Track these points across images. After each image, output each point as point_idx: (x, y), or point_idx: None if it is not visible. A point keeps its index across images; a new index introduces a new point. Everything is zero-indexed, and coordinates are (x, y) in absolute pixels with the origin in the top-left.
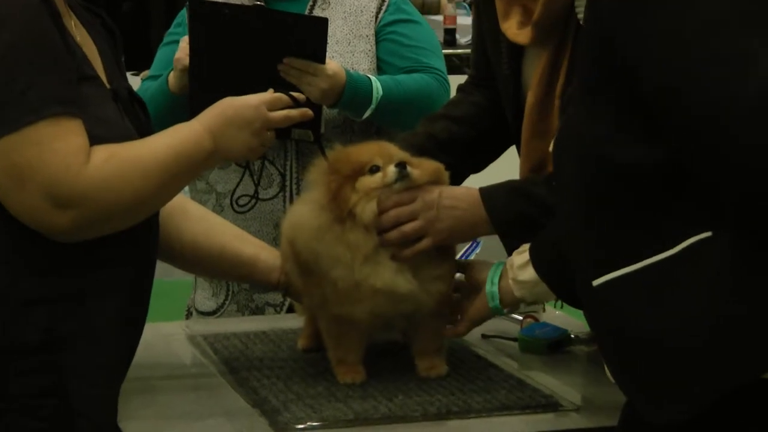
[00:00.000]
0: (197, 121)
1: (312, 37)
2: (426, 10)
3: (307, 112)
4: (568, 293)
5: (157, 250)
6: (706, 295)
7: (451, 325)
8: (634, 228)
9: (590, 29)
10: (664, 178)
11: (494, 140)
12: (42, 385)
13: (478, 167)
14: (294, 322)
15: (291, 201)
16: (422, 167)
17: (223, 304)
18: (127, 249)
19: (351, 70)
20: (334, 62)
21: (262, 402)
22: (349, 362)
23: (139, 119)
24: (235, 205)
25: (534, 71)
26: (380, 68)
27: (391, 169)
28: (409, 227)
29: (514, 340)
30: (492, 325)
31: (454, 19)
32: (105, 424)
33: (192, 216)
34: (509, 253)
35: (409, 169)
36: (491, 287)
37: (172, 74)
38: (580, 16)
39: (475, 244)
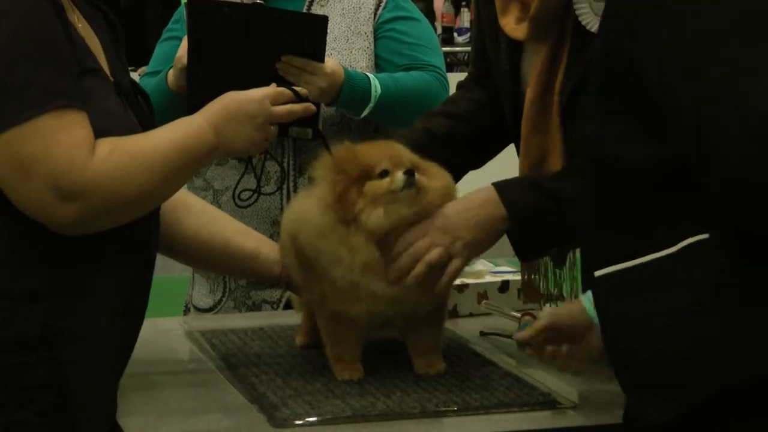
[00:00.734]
0: (200, 116)
1: (311, 35)
2: None
3: (310, 106)
4: None
5: (157, 245)
6: (697, 295)
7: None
8: (635, 225)
9: (602, 34)
10: (665, 178)
11: (493, 137)
12: (41, 379)
13: (477, 164)
14: (292, 318)
15: (289, 199)
16: (430, 174)
17: (221, 301)
18: (127, 244)
19: (349, 68)
20: (333, 60)
21: (260, 398)
22: (347, 359)
23: (143, 112)
24: (237, 200)
25: (533, 67)
26: (378, 66)
27: (399, 176)
28: (433, 256)
29: (511, 337)
30: (490, 323)
31: (451, 17)
32: (104, 419)
33: (194, 210)
34: (518, 251)
35: (417, 176)
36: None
37: (171, 72)
38: (579, 12)
39: None
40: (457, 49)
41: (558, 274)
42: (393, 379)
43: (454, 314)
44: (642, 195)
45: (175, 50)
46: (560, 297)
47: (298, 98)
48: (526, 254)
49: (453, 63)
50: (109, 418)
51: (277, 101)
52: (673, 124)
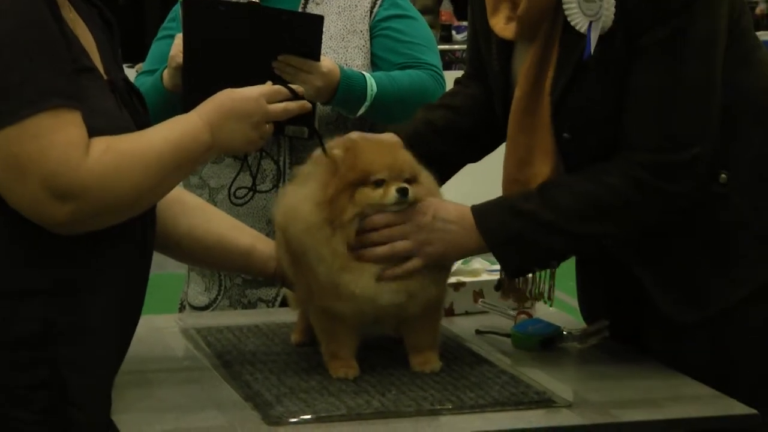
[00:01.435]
0: (196, 114)
1: (307, 34)
2: None
3: (306, 104)
4: None
5: (153, 242)
6: None
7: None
8: None
9: None
10: None
11: (491, 132)
12: (37, 376)
13: (475, 158)
14: (287, 316)
15: None
16: (420, 180)
17: (216, 299)
18: (123, 241)
19: (345, 67)
20: (329, 59)
21: (254, 395)
22: (341, 357)
23: (137, 111)
24: (232, 197)
25: (522, 66)
26: (375, 64)
27: (392, 193)
28: (399, 246)
29: (508, 335)
30: (486, 321)
31: (450, 14)
32: (99, 416)
33: (189, 207)
34: (506, 270)
35: (410, 193)
36: None
37: (166, 71)
38: (568, 12)
39: None
40: (456, 47)
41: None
42: (388, 376)
43: (450, 312)
44: None
45: (170, 49)
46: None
47: (294, 96)
48: (511, 273)
49: (451, 61)
50: (106, 416)
51: (273, 99)
52: None
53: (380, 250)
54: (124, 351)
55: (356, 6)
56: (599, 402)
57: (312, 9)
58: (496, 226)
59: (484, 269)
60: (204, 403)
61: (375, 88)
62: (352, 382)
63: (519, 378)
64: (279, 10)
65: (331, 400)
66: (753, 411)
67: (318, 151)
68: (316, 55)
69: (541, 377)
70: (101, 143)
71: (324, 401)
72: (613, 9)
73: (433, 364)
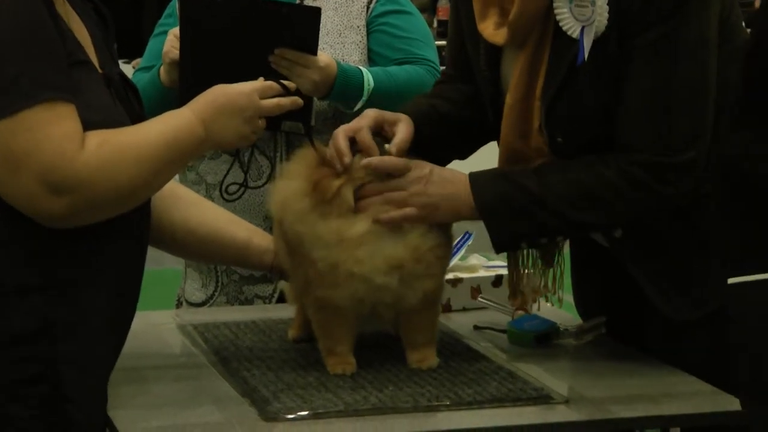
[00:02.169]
0: (189, 108)
1: (304, 27)
2: None
3: (298, 100)
4: None
5: (149, 237)
6: None
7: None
8: None
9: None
10: None
11: (480, 127)
12: (34, 372)
13: (466, 150)
14: (284, 312)
15: None
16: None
17: (213, 295)
18: (118, 236)
19: (342, 62)
20: (326, 54)
21: (252, 392)
22: (338, 353)
23: (132, 105)
24: (224, 194)
25: (512, 72)
26: (372, 60)
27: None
28: (395, 195)
29: (505, 332)
30: (484, 317)
31: (447, 11)
32: (95, 412)
33: (183, 201)
34: (494, 241)
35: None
36: None
37: (162, 68)
38: (559, 17)
39: (466, 236)
40: None
41: (544, 271)
42: (386, 372)
43: (448, 309)
44: None
45: None
46: (546, 289)
47: (287, 92)
48: (499, 244)
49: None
50: (102, 411)
51: (265, 95)
52: None
53: (377, 197)
54: (120, 347)
55: (353, 1)
56: (596, 398)
57: (308, 3)
58: (489, 191)
59: (481, 265)
60: (201, 399)
61: (372, 83)
62: (350, 378)
63: (516, 374)
64: (276, 4)
65: (328, 396)
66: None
67: (303, 149)
68: (313, 49)
69: (538, 373)
70: (97, 137)
71: (321, 397)
72: (606, 14)
73: (430, 361)
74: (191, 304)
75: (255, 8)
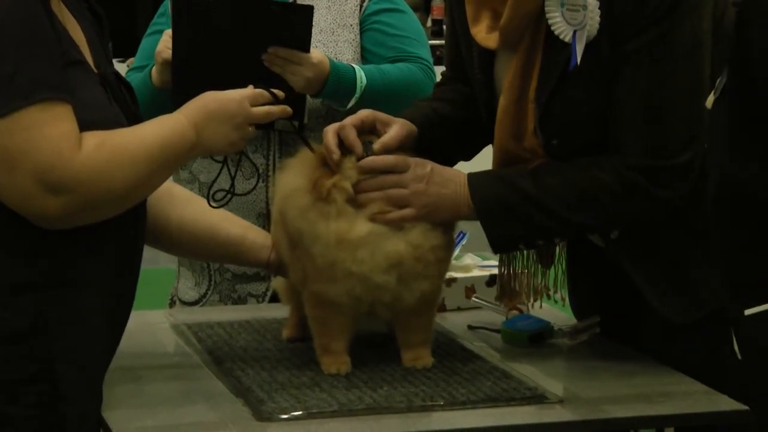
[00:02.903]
0: (181, 113)
1: (297, 25)
2: None
3: (287, 109)
4: None
5: (144, 236)
6: None
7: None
8: None
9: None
10: None
11: (482, 127)
12: (29, 371)
13: (469, 152)
14: (278, 311)
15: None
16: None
17: (206, 294)
18: (114, 235)
19: (335, 60)
20: (319, 51)
21: (246, 391)
22: (334, 351)
23: (127, 104)
24: (211, 200)
25: (506, 76)
26: (365, 58)
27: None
28: (394, 192)
29: (499, 331)
30: (478, 317)
31: (442, 9)
32: (90, 410)
33: (178, 199)
34: (491, 242)
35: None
36: None
37: (154, 68)
38: (551, 21)
39: (461, 236)
40: None
41: (543, 271)
42: (380, 372)
43: (442, 308)
44: None
45: None
46: (546, 289)
47: (276, 100)
48: (496, 245)
49: (443, 56)
50: (97, 411)
51: (256, 102)
52: None
53: (376, 193)
54: (116, 345)
55: (346, 0)
56: (591, 398)
57: (301, 1)
58: (487, 192)
59: (475, 265)
60: (195, 399)
61: (364, 80)
62: (344, 378)
63: (511, 374)
64: (268, 2)
65: (322, 395)
66: (744, 407)
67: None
68: (306, 47)
69: (532, 373)
70: (95, 138)
71: (315, 397)
72: (597, 17)
73: (424, 360)
74: (184, 303)
75: (248, 7)
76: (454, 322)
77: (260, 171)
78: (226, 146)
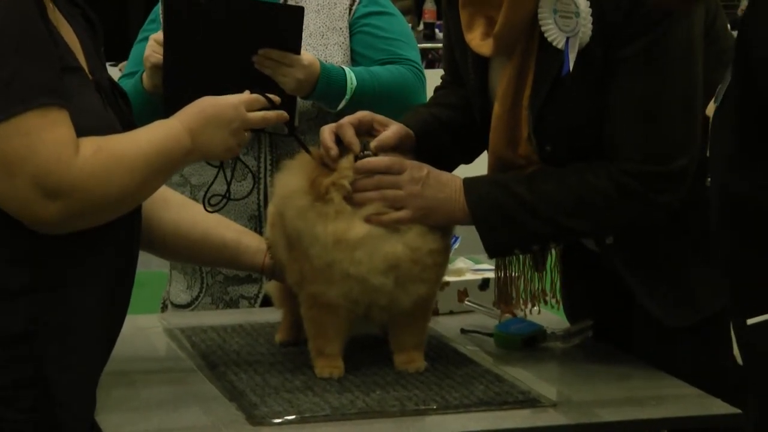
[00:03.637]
0: (177, 119)
1: (287, 26)
2: None
3: (283, 114)
4: None
5: (139, 241)
6: None
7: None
8: None
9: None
10: None
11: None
12: (23, 375)
13: (470, 155)
14: (271, 315)
15: (265, 194)
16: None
17: (198, 296)
18: (109, 240)
19: (325, 62)
20: (309, 53)
21: (239, 395)
22: (328, 354)
23: (122, 110)
24: (206, 205)
25: (500, 82)
26: (355, 61)
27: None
28: (390, 193)
29: (491, 335)
30: (471, 320)
31: (433, 13)
32: (84, 415)
33: (172, 204)
34: (486, 247)
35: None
36: None
37: (144, 73)
38: (544, 28)
39: (454, 239)
40: (439, 45)
41: (538, 276)
42: (373, 376)
43: (435, 312)
44: None
45: None
46: (543, 293)
47: (272, 105)
48: (491, 250)
49: (434, 59)
50: (91, 415)
51: (252, 107)
52: None
53: (372, 193)
54: (110, 349)
55: (335, 3)
56: (583, 402)
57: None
58: (483, 197)
59: (468, 268)
60: (188, 402)
61: (355, 82)
62: (337, 382)
63: (504, 378)
64: (259, 3)
65: (315, 400)
66: (736, 410)
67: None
68: (297, 48)
69: (525, 377)
70: (92, 143)
71: (308, 401)
72: (590, 25)
73: (417, 363)
74: (176, 306)
75: (238, 9)
76: (446, 325)
77: (254, 173)
78: (222, 152)
